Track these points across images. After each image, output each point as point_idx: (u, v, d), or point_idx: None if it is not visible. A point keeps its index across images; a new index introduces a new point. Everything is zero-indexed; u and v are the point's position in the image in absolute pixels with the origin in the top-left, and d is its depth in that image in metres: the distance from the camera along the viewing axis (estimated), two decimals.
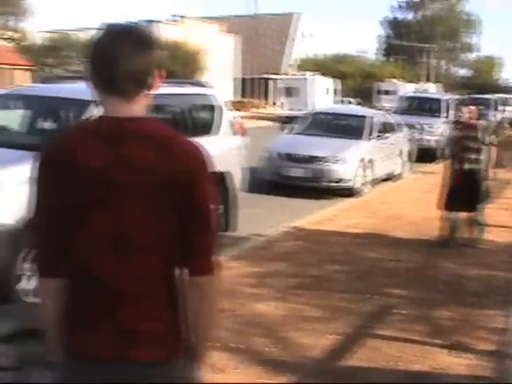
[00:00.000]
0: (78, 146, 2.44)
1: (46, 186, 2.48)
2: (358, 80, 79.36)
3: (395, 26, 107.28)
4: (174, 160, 2.43)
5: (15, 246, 6.77)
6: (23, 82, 44.82)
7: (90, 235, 2.45)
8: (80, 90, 9.80)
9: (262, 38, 72.80)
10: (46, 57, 56.19)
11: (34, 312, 4.17)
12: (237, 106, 43.67)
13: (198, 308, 2.61)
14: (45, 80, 26.73)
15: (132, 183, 2.42)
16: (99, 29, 2.48)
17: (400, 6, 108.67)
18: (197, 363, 2.69)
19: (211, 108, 10.91)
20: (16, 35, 49.36)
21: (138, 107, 2.48)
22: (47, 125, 9.56)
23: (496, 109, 39.30)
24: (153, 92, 2.53)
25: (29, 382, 3.97)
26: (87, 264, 2.49)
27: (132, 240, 2.45)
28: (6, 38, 47.78)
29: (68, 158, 2.43)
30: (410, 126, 22.17)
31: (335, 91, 53.29)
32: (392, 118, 20.42)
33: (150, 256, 2.48)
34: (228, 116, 11.30)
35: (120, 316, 2.49)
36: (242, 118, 24.35)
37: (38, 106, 9.57)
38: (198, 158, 2.51)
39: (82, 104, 7.89)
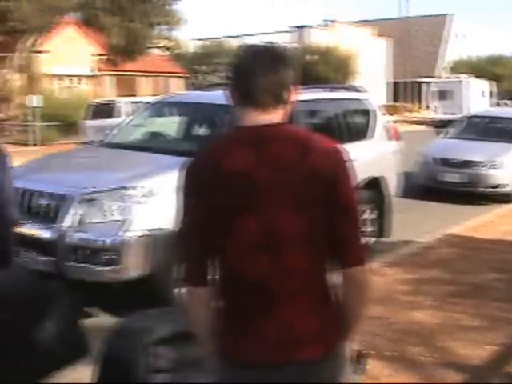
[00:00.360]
0: (222, 154, 2.58)
1: (193, 194, 2.60)
2: None
3: None
4: (315, 158, 2.54)
5: (173, 250, 6.91)
6: (177, 89, 46.05)
7: (240, 238, 2.54)
8: None
9: (414, 41, 71.91)
10: (200, 64, 57.46)
11: None
12: (390, 110, 43.27)
13: (351, 299, 2.66)
14: (198, 87, 27.36)
15: (277, 183, 2.51)
16: (241, 48, 2.74)
17: None
18: (347, 356, 2.73)
19: (366, 113, 10.81)
20: (170, 44, 50.69)
21: (275, 117, 2.61)
22: (201, 131, 9.73)
23: None
24: (290, 106, 2.67)
25: (187, 382, 4.02)
26: (239, 266, 2.57)
27: (282, 238, 2.52)
28: (160, 47, 49.12)
29: (214, 166, 2.56)
30: None
31: (491, 94, 51.82)
32: None
33: (301, 252, 2.55)
34: (382, 120, 11.18)
35: (276, 316, 2.55)
36: (395, 122, 24.15)
37: (192, 112, 9.77)
38: (337, 156, 2.60)
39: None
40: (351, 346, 2.75)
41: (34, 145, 30.29)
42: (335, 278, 2.67)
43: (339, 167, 2.58)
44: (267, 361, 2.55)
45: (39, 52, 39.40)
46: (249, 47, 2.72)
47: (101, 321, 6.99)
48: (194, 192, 2.59)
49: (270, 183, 2.51)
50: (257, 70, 2.56)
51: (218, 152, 2.60)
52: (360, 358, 2.83)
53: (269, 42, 2.81)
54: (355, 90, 11.55)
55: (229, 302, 2.63)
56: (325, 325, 2.60)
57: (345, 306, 2.66)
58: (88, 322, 7.16)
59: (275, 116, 2.60)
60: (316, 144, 2.59)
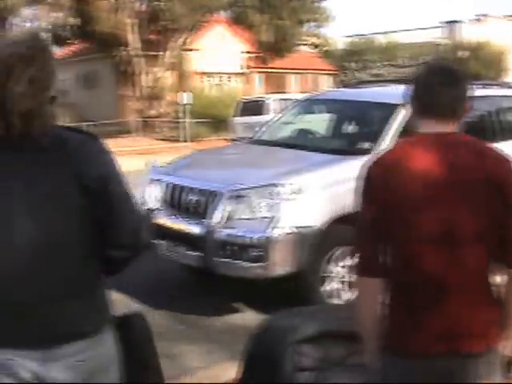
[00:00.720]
0: (403, 155, 2.78)
1: (373, 192, 2.78)
2: None
3: None
4: (487, 162, 2.73)
5: (320, 248, 6.89)
6: (326, 86, 46.09)
7: (418, 234, 2.69)
8: (386, 93, 9.79)
9: None
10: (349, 61, 57.26)
11: (337, 314, 4.20)
12: None
13: (511, 299, 2.79)
14: (346, 84, 27.20)
15: (456, 184, 2.69)
16: (422, 65, 3.03)
17: None
18: (502, 357, 2.83)
19: None
20: (318, 41, 50.92)
21: (451, 128, 2.83)
22: (351, 129, 9.64)
23: None
24: (463, 119, 2.90)
25: (328, 382, 3.99)
26: (415, 261, 2.70)
27: (459, 235, 2.68)
28: (309, 44, 49.42)
29: (395, 166, 2.75)
30: None
31: None
32: None
33: (474, 250, 2.70)
34: None
35: (445, 310, 2.69)
36: None
37: (341, 109, 9.68)
38: (505, 162, 2.79)
39: (389, 108, 7.87)
40: (504, 351, 2.80)
41: (185, 141, 30.94)
42: (499, 277, 2.79)
43: (508, 171, 2.76)
44: (432, 352, 2.68)
45: (190, 50, 40.29)
46: (429, 64, 3.05)
47: (246, 317, 7.04)
48: (373, 190, 2.76)
49: (450, 184, 2.69)
50: (439, 85, 2.81)
51: (400, 153, 2.82)
52: (511, 365, 2.91)
53: (444, 59, 2.91)
54: (509, 86, 11.19)
55: (399, 295, 2.78)
56: (488, 321, 2.72)
57: (505, 306, 2.79)
58: (234, 318, 7.24)
59: (451, 127, 2.82)
60: (487, 149, 2.83)
